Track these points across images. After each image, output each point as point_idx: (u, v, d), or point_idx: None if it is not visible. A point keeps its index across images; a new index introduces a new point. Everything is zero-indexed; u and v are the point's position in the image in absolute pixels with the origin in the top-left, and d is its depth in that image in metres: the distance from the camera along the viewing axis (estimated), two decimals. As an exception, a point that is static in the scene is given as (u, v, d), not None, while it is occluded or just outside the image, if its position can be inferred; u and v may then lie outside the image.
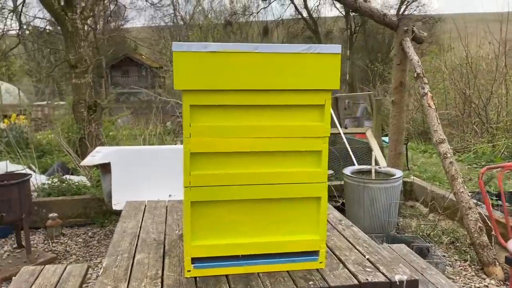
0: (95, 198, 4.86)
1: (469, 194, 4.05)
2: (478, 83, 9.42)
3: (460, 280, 3.57)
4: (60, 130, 7.21)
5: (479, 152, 8.27)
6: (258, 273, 1.79)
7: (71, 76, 6.73)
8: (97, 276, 3.40)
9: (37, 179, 5.16)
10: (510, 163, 4.11)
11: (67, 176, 5.39)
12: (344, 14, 25.19)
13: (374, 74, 13.97)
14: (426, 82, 4.51)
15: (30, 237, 4.21)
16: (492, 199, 4.46)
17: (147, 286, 1.68)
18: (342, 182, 4.84)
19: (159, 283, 1.70)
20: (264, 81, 1.70)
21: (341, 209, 4.98)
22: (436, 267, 3.65)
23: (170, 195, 4.17)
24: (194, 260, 1.76)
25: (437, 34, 21.83)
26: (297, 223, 1.83)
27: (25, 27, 16.54)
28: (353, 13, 21.59)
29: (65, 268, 2.56)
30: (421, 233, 4.32)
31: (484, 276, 3.62)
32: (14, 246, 4.14)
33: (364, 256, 1.98)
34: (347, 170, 4.66)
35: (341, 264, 1.90)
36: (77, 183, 5.16)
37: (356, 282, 1.75)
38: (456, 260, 3.94)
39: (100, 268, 1.84)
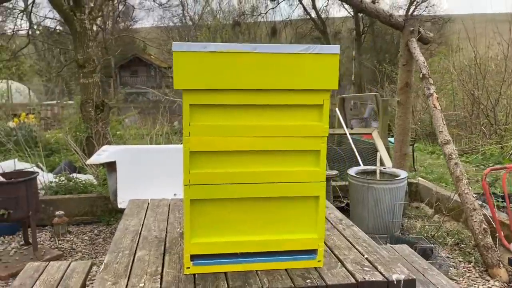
0: (102, 196, 4.92)
1: (474, 195, 4.04)
2: (487, 84, 9.36)
3: (464, 281, 3.55)
4: (68, 129, 7.29)
5: (487, 154, 8.22)
6: (256, 270, 1.81)
7: (79, 75, 6.81)
8: (101, 273, 3.43)
9: (45, 178, 5.23)
10: (515, 164, 4.09)
11: (74, 175, 5.45)
12: (352, 14, 25.11)
13: (382, 75, 13.91)
14: (432, 82, 4.50)
15: (37, 234, 4.27)
16: (497, 201, 4.43)
17: (147, 282, 1.71)
18: (347, 183, 4.84)
19: (159, 280, 1.73)
20: (263, 81, 1.72)
21: (345, 210, 4.99)
22: (440, 268, 3.64)
23: (175, 194, 4.20)
24: (193, 257, 1.79)
25: (447, 35, 21.69)
26: (296, 221, 1.84)
27: (35, 27, 16.74)
28: (362, 14, 21.53)
29: (69, 265, 2.60)
30: (425, 234, 4.31)
31: (488, 278, 3.60)
32: (21, 243, 4.20)
33: (363, 256, 1.99)
34: (352, 171, 4.66)
35: (339, 263, 1.91)
36: (84, 182, 5.22)
37: (353, 281, 1.76)
38: (460, 261, 3.92)
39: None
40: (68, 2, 6.77)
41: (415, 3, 25.66)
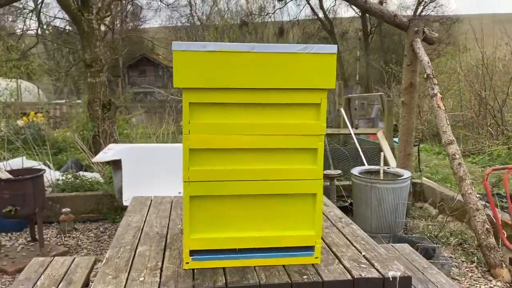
0: (108, 194, 4.98)
1: (478, 195, 4.04)
2: (494, 85, 9.31)
3: (466, 281, 3.56)
4: (75, 128, 7.38)
5: (494, 154, 8.18)
6: (254, 266, 1.84)
7: (87, 75, 6.88)
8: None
9: (52, 175, 5.30)
10: (518, 165, 4.08)
11: (81, 173, 5.52)
12: (360, 15, 25.05)
13: (389, 75, 13.88)
14: (436, 83, 4.50)
15: (44, 231, 4.34)
16: (502, 201, 4.43)
17: (146, 276, 1.75)
18: (351, 182, 4.85)
19: (158, 274, 1.77)
20: (261, 80, 1.75)
21: (349, 209, 5.00)
22: (442, 268, 3.65)
23: (179, 192, 4.24)
24: (192, 252, 1.82)
25: (455, 35, 21.57)
26: (293, 218, 1.87)
27: (45, 27, 16.90)
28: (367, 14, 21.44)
29: (73, 260, 2.65)
30: (428, 234, 4.32)
31: (490, 278, 3.60)
32: (28, 239, 4.27)
33: (361, 253, 2.01)
34: (355, 170, 4.68)
35: (336, 260, 1.94)
36: (90, 180, 5.29)
37: (349, 277, 1.78)
38: (463, 261, 3.93)
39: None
40: (76, 3, 6.86)
41: (423, 3, 25.54)
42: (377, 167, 4.83)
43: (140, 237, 2.16)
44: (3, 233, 4.41)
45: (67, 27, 17.76)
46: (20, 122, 8.46)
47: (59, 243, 4.29)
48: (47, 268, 2.56)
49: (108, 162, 4.68)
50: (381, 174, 4.66)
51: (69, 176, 5.28)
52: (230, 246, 1.84)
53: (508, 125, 8.95)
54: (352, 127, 6.63)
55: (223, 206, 1.83)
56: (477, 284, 3.50)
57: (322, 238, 2.15)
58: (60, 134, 8.66)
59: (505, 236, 3.78)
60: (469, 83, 9.86)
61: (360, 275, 1.79)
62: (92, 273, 2.66)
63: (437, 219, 4.86)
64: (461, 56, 11.36)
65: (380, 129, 6.75)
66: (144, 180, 4.35)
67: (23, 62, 13.76)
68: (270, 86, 1.76)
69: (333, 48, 1.76)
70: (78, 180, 5.22)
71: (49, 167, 5.82)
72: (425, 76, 4.53)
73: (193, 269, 1.81)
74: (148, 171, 4.47)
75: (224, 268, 1.83)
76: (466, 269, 3.77)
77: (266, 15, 27.82)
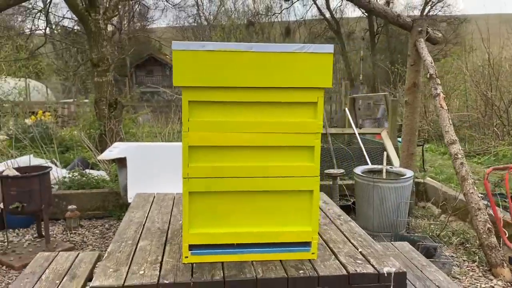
0: (113, 192, 5.04)
1: (480, 195, 4.05)
2: (500, 85, 9.28)
3: (467, 280, 3.58)
4: (82, 127, 7.46)
5: (500, 155, 8.16)
6: (252, 261, 1.89)
7: (93, 74, 6.96)
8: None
9: (59, 173, 5.38)
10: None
11: (87, 171, 5.59)
12: (366, 15, 24.98)
13: (395, 75, 13.85)
14: (439, 83, 4.51)
15: (50, 228, 4.42)
16: (505, 201, 4.43)
17: (146, 270, 1.80)
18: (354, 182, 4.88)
19: (158, 268, 1.82)
20: (259, 79, 1.79)
21: (352, 208, 5.03)
22: (443, 266, 3.67)
23: (182, 190, 4.30)
24: (191, 247, 1.87)
25: (462, 35, 21.46)
26: (290, 215, 1.92)
27: (53, 26, 17.08)
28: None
29: (77, 255, 2.71)
30: (430, 234, 4.33)
31: (491, 277, 3.61)
32: (35, 235, 4.34)
33: (357, 249, 2.05)
34: (358, 169, 4.70)
35: (333, 256, 1.97)
36: (96, 177, 5.36)
37: (345, 272, 1.82)
38: (464, 260, 3.94)
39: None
40: (83, 3, 6.94)
41: (430, 3, 25.42)
42: (380, 166, 4.85)
43: (141, 232, 2.21)
44: (10, 229, 4.48)
45: (75, 27, 17.93)
46: (28, 121, 8.58)
47: (65, 240, 4.36)
48: (52, 263, 2.62)
49: (113, 160, 4.75)
50: (384, 174, 4.69)
51: (76, 173, 5.35)
52: (228, 241, 1.89)
53: (514, 125, 8.93)
54: (356, 127, 6.65)
55: (222, 202, 1.88)
56: (477, 283, 3.52)
57: (320, 235, 2.20)
58: (67, 132, 8.76)
59: (506, 235, 3.79)
60: (475, 83, 9.83)
61: (356, 270, 1.83)
62: (96, 268, 2.71)
63: (439, 219, 4.87)
64: (467, 56, 11.32)
65: (384, 129, 6.77)
66: (148, 177, 4.40)
67: (32, 61, 13.92)
68: (268, 85, 1.80)
69: (329, 48, 1.80)
70: (84, 178, 5.29)
71: (56, 165, 5.91)
72: (428, 76, 4.55)
73: (192, 263, 1.86)
74: (153, 169, 4.52)
75: (222, 263, 1.87)
76: (467, 268, 3.78)
77: (272, 15, 27.85)
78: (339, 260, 1.93)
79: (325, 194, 3.01)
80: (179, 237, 2.14)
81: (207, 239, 1.88)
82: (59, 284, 2.35)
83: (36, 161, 5.64)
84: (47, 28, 11.84)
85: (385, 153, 4.87)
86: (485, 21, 10.25)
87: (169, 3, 22.08)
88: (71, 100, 16.16)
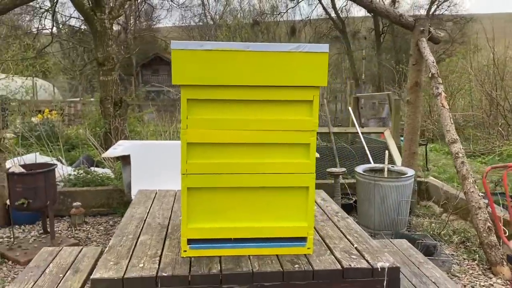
0: (118, 189, 5.11)
1: (481, 194, 4.07)
2: (505, 85, 9.26)
3: (466, 278, 3.60)
4: (87, 125, 7.55)
5: (504, 155, 8.15)
6: (248, 255, 1.93)
7: (99, 73, 7.04)
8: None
9: (64, 171, 5.46)
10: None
11: (92, 168, 5.66)
12: (372, 14, 24.94)
13: (400, 75, 13.84)
14: (441, 82, 4.54)
15: (55, 224, 4.49)
16: (506, 200, 4.44)
17: (146, 263, 1.85)
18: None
19: (157, 261, 1.87)
20: (256, 77, 1.84)
21: (353, 207, 5.07)
22: (443, 264, 3.70)
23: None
24: (190, 241, 1.92)
25: (469, 34, 21.36)
26: (287, 210, 1.96)
27: (61, 26, 17.21)
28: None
29: (80, 250, 2.77)
30: (431, 232, 4.36)
31: (491, 275, 3.64)
32: (40, 231, 4.42)
33: (353, 245, 2.09)
34: (359, 168, 4.74)
35: (328, 251, 2.02)
36: (101, 175, 5.43)
37: (339, 267, 1.86)
38: (464, 259, 3.96)
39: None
40: (89, 2, 7.02)
41: (436, 2, 25.34)
42: (381, 165, 4.88)
43: (142, 227, 2.26)
44: (16, 226, 4.56)
45: (82, 26, 18.07)
46: (34, 119, 8.68)
47: (69, 236, 4.43)
48: (56, 257, 2.68)
49: (118, 158, 4.81)
50: (385, 172, 4.71)
51: (81, 171, 5.43)
52: (225, 236, 1.94)
53: (519, 125, 8.91)
54: (361, 126, 6.67)
55: (220, 198, 1.92)
56: (476, 281, 3.54)
57: (317, 231, 2.24)
58: (73, 131, 8.85)
59: (506, 234, 3.81)
60: (480, 83, 9.81)
61: (350, 265, 1.87)
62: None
63: (441, 218, 4.89)
64: (472, 56, 11.29)
65: (387, 128, 6.79)
66: (152, 175, 4.46)
67: (39, 60, 14.05)
68: (264, 83, 1.85)
69: (324, 48, 1.84)
70: (89, 176, 5.37)
71: (62, 162, 5.99)
72: (429, 75, 4.57)
73: (190, 257, 1.91)
74: (156, 166, 4.58)
75: (220, 257, 1.92)
76: (467, 267, 3.81)
77: (278, 14, 27.87)
78: (334, 255, 1.97)
79: (324, 192, 3.05)
80: (179, 232, 2.19)
81: (205, 234, 1.92)
82: (63, 277, 2.41)
83: (42, 159, 5.73)
84: (54, 28, 11.94)
85: (386, 152, 4.90)
86: (490, 20, 10.22)
87: (173, 3, 22.15)
88: (78, 99, 16.29)
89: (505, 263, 3.63)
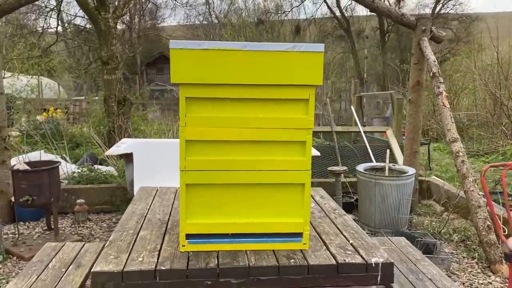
0: (121, 187, 5.17)
1: (481, 193, 4.08)
2: (509, 84, 9.24)
3: (465, 276, 3.62)
4: (91, 123, 7.62)
5: (508, 154, 8.14)
6: (245, 250, 1.98)
7: (103, 72, 7.11)
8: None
9: (68, 168, 5.52)
10: (518, 162, 4.10)
11: (96, 166, 5.73)
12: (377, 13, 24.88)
13: (405, 74, 13.83)
14: (442, 81, 4.55)
15: (59, 221, 4.56)
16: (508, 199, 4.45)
17: (145, 257, 1.89)
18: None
19: (156, 255, 1.91)
20: (253, 76, 1.87)
21: (355, 205, 5.10)
22: (442, 263, 3.73)
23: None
24: (188, 236, 1.96)
25: (474, 34, 21.28)
26: (283, 206, 2.00)
27: (66, 25, 17.32)
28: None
29: (83, 246, 2.82)
30: (432, 231, 4.38)
31: (490, 273, 3.66)
32: (44, 228, 4.48)
33: (348, 241, 2.12)
34: (361, 167, 4.76)
35: (324, 247, 2.05)
36: (104, 173, 5.49)
37: (334, 262, 1.90)
38: (464, 257, 3.99)
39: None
40: (93, 1, 7.08)
41: (441, 1, 25.25)
42: (382, 164, 4.91)
43: (143, 223, 2.31)
44: (21, 222, 4.63)
45: (87, 25, 18.16)
46: (40, 118, 8.77)
47: (73, 232, 4.49)
48: (59, 252, 2.73)
49: (121, 156, 4.87)
50: (386, 171, 4.74)
51: (85, 169, 5.49)
52: (223, 231, 1.98)
53: (522, 125, 8.89)
54: (364, 125, 6.70)
55: (217, 194, 1.97)
56: (475, 279, 3.57)
57: (314, 227, 2.28)
58: (77, 129, 8.93)
59: (506, 233, 3.82)
60: (484, 82, 9.80)
61: (344, 260, 1.91)
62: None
63: (441, 216, 4.91)
64: (476, 55, 11.27)
65: (389, 128, 6.81)
66: (154, 173, 4.51)
67: (44, 59, 14.17)
68: (261, 82, 1.89)
69: (320, 47, 1.88)
70: (93, 173, 5.43)
71: (66, 160, 6.06)
72: (430, 74, 4.59)
73: (188, 252, 1.95)
74: (159, 164, 4.63)
75: (217, 251, 1.96)
76: (467, 265, 3.83)
77: (283, 13, 27.88)
78: (329, 251, 2.00)
79: (323, 190, 3.08)
80: (178, 228, 2.23)
81: (203, 229, 1.97)
82: (65, 272, 2.46)
83: (46, 156, 5.80)
84: (59, 26, 12.04)
85: (387, 150, 4.92)
86: (494, 19, 10.20)
87: (177, 2, 22.22)
88: (83, 97, 16.40)
89: (504, 261, 3.65)
